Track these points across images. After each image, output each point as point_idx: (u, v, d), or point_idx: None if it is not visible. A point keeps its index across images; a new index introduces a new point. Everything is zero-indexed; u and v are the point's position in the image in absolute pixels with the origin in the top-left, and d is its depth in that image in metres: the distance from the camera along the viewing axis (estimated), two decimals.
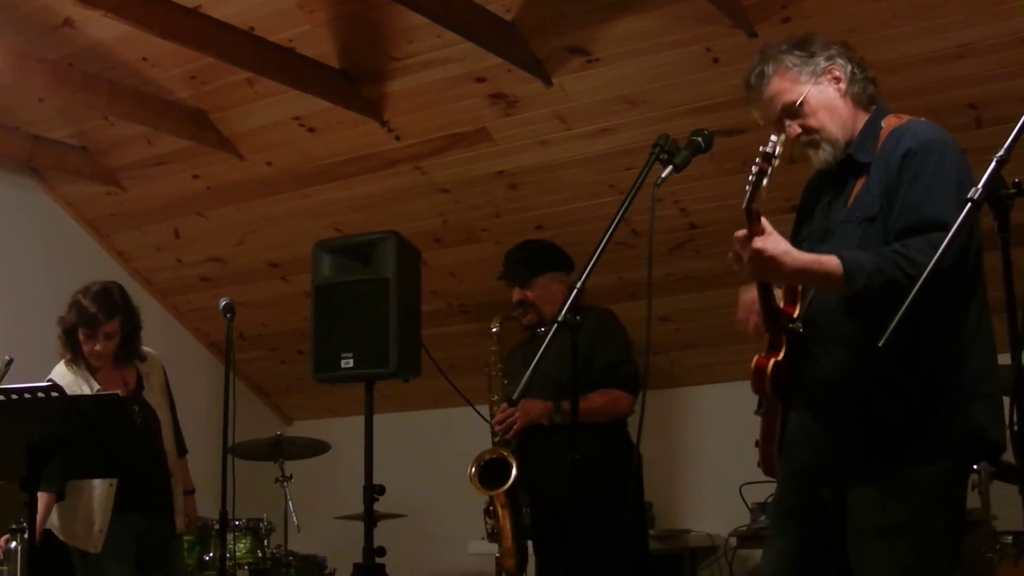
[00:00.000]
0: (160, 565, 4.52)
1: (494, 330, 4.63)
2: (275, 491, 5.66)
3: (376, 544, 4.37)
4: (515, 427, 4.38)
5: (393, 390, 6.02)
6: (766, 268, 2.58)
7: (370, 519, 4.33)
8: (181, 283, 7.04)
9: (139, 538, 4.48)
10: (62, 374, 4.45)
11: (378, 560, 4.43)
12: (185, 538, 4.82)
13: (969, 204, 2.06)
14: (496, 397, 4.57)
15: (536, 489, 4.45)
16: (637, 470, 4.37)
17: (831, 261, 2.56)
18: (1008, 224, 2.15)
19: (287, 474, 5.74)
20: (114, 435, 3.40)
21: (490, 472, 4.37)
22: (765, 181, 2.50)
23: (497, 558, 4.47)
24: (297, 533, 5.59)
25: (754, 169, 2.50)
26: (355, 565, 4.52)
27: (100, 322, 4.39)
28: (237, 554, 4.98)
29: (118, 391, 4.22)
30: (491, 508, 4.46)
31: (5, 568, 4.54)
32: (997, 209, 2.13)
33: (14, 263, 6.37)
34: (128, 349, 4.54)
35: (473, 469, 4.39)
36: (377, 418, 4.39)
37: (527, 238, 5.13)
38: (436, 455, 6.78)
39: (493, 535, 4.51)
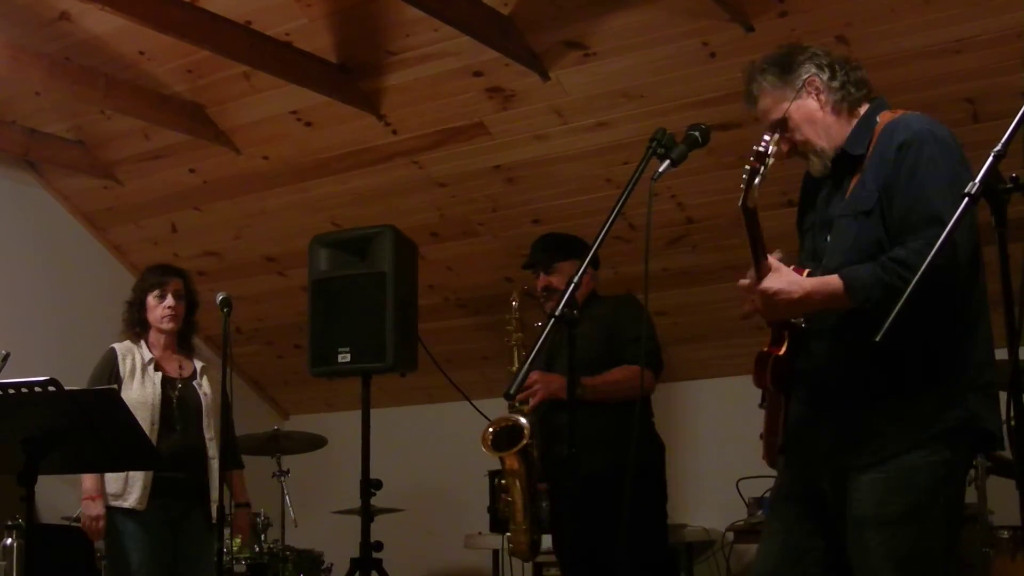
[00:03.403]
0: (194, 555, 4.54)
1: (513, 304, 4.59)
2: (272, 486, 5.67)
3: (373, 538, 4.38)
4: (534, 400, 4.33)
5: (390, 384, 6.02)
6: (778, 304, 2.68)
7: (367, 513, 4.33)
8: None
9: (173, 524, 4.52)
10: (122, 344, 4.68)
11: (375, 554, 4.44)
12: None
13: (966, 199, 2.06)
14: (514, 368, 4.50)
15: (558, 470, 4.41)
16: (660, 457, 4.37)
17: (833, 281, 2.64)
18: (1005, 219, 2.15)
19: (284, 469, 5.74)
20: (111, 429, 3.39)
21: (504, 439, 4.27)
22: (758, 180, 2.56)
23: (509, 537, 4.33)
24: (294, 528, 5.60)
25: (747, 168, 2.55)
26: (352, 559, 4.53)
27: (167, 278, 4.71)
28: (234, 548, 4.98)
29: (162, 373, 4.61)
30: (503, 482, 4.38)
31: (3, 564, 4.54)
32: (994, 204, 2.13)
33: (10, 257, 6.36)
34: (188, 328, 4.78)
35: (489, 430, 4.27)
36: (374, 412, 4.39)
37: (524, 232, 5.12)
38: (433, 449, 6.78)
39: (506, 513, 4.38)
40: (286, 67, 5.18)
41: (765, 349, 2.82)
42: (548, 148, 5.44)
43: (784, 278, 2.67)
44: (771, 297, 2.66)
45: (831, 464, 2.76)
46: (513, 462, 4.24)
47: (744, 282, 2.74)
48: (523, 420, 4.23)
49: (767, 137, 2.59)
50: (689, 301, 5.83)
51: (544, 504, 4.38)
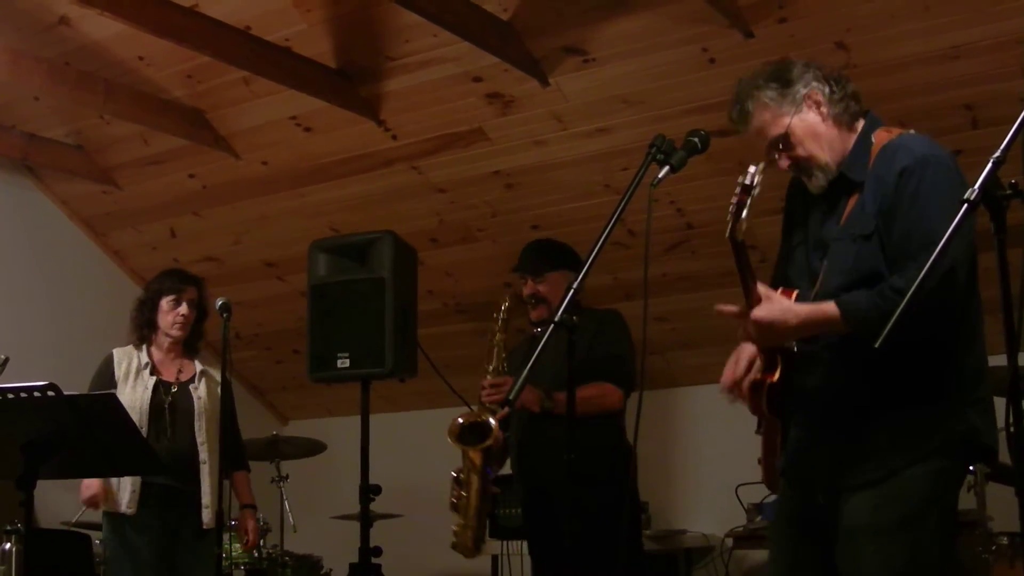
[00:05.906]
0: (190, 561, 4.55)
1: (504, 306, 4.54)
2: (271, 491, 5.66)
3: (372, 544, 4.37)
4: (503, 409, 4.30)
5: (389, 390, 6.03)
6: (771, 333, 2.67)
7: (366, 519, 4.32)
8: None
9: (169, 529, 4.53)
10: (122, 349, 4.70)
11: (374, 560, 4.43)
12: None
13: (965, 205, 2.06)
14: (491, 367, 4.51)
15: (531, 480, 4.42)
16: (632, 468, 4.37)
17: (829, 308, 2.62)
18: (1004, 225, 2.14)
19: (283, 474, 5.75)
20: (110, 434, 3.39)
21: (470, 435, 4.26)
22: (745, 212, 2.54)
23: (455, 531, 4.32)
24: (293, 533, 5.60)
25: (733, 200, 2.53)
26: (351, 565, 4.52)
27: (184, 286, 4.73)
28: (233, 554, 4.97)
29: (157, 377, 4.62)
30: (461, 477, 4.39)
31: (2, 568, 4.53)
32: (993, 210, 2.13)
33: (9, 262, 6.36)
34: (195, 335, 4.79)
35: (458, 421, 4.27)
36: (373, 418, 4.39)
37: (523, 238, 5.11)
38: (432, 455, 6.75)
39: (457, 506, 4.43)
40: (285, 72, 5.19)
41: (759, 377, 2.78)
42: (547, 154, 5.44)
43: (777, 306, 2.65)
44: (766, 327, 2.65)
45: (831, 483, 2.73)
46: (477, 458, 4.25)
47: (730, 308, 2.71)
48: (492, 420, 4.23)
49: (752, 168, 2.56)
50: (688, 307, 5.82)
51: (515, 511, 4.39)
